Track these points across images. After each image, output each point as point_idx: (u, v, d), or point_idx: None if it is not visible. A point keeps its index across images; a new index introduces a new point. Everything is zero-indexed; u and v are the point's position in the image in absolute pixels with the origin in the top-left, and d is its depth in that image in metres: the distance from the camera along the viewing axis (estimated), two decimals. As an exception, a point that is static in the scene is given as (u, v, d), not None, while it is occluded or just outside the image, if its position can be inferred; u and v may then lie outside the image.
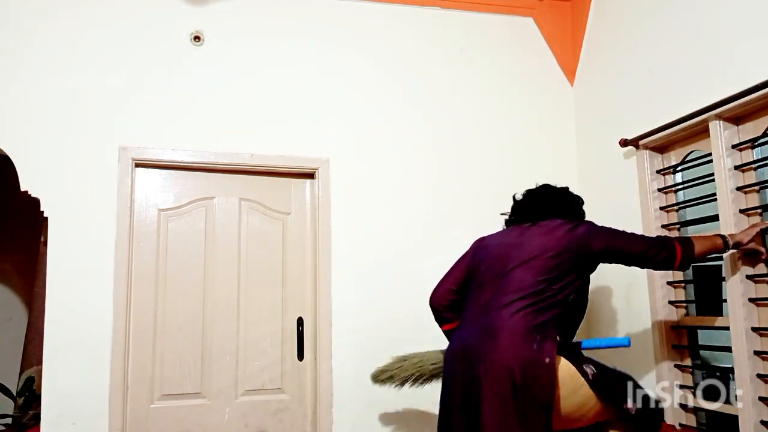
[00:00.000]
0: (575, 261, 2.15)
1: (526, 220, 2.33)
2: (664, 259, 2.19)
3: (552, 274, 2.11)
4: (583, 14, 3.48)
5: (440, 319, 2.44)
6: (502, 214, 2.49)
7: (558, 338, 2.07)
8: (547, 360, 2.00)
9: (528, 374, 1.98)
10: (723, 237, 2.26)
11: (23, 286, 4.22)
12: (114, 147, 2.96)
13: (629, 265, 2.31)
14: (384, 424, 3.10)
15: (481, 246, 2.39)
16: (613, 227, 2.26)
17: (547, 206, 2.33)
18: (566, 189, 2.46)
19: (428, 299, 2.45)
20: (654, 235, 2.53)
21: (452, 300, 2.37)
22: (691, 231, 2.77)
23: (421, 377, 2.71)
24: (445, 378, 2.25)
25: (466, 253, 2.44)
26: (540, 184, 2.49)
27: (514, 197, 2.47)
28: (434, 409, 3.12)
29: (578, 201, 2.45)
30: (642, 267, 2.33)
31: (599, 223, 2.28)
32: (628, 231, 2.27)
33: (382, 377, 2.78)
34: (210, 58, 3.15)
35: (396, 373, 2.74)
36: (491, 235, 2.43)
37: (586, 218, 2.43)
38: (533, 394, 1.98)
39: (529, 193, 2.44)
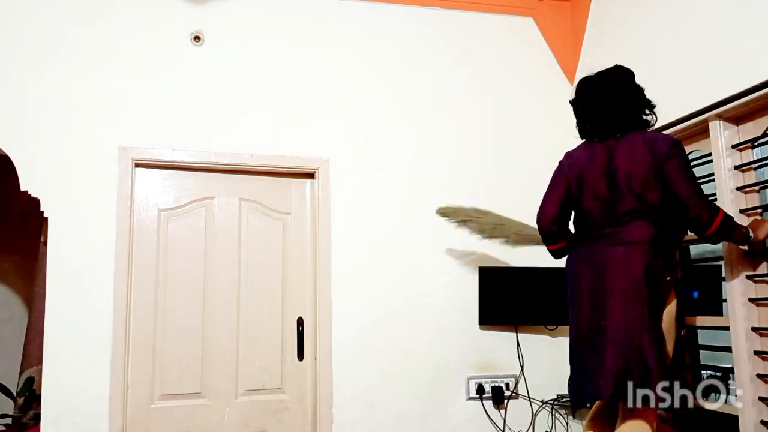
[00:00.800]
0: (660, 177, 2.18)
1: (606, 132, 2.30)
2: (705, 217, 2.13)
3: (648, 192, 2.18)
4: (583, 14, 3.48)
5: (551, 239, 2.47)
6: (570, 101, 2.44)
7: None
8: (669, 278, 2.21)
9: (650, 276, 2.14)
10: (747, 230, 2.20)
11: (23, 286, 4.21)
12: (114, 147, 2.96)
13: (670, 209, 2.21)
14: (384, 424, 3.10)
15: (574, 165, 2.38)
16: (689, 162, 2.24)
17: (623, 114, 2.29)
18: (628, 78, 2.38)
19: (536, 222, 2.48)
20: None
21: (558, 220, 2.43)
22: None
23: (503, 237, 2.91)
24: (570, 277, 2.36)
25: (560, 170, 2.42)
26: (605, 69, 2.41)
27: (575, 98, 2.41)
28: (436, 411, 3.17)
29: (641, 95, 2.37)
30: (679, 217, 2.21)
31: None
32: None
33: (451, 214, 2.95)
34: (210, 58, 3.15)
35: (474, 220, 2.87)
36: (578, 151, 2.40)
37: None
38: (654, 288, 2.14)
39: (599, 95, 2.34)
